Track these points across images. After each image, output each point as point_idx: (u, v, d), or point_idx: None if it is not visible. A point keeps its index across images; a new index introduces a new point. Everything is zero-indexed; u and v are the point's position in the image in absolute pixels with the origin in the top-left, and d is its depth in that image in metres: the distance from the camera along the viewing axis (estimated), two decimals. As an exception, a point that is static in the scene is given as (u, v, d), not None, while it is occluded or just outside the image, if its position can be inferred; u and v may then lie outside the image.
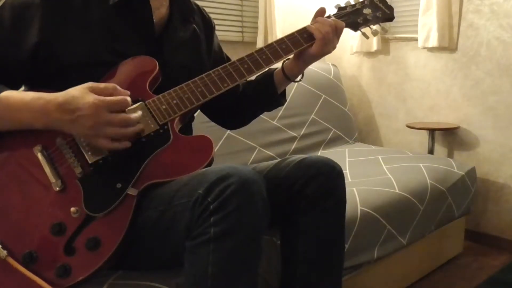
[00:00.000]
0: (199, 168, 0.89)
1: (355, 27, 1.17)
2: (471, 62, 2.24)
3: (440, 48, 2.31)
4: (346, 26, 1.12)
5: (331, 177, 1.06)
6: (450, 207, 1.87)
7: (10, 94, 0.88)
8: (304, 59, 1.10)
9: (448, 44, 2.27)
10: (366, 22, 1.17)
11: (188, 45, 1.10)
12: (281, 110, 2.15)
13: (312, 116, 2.30)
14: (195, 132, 1.15)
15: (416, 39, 2.38)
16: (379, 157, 2.06)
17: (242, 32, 2.49)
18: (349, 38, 2.65)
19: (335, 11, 1.17)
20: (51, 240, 0.85)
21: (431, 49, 2.37)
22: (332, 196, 1.06)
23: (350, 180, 1.76)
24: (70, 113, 0.83)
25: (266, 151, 2.03)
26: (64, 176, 0.88)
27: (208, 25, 1.20)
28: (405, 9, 2.50)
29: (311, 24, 1.08)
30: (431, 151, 2.32)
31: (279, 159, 1.15)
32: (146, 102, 0.94)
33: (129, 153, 0.89)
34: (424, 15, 2.29)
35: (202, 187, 0.81)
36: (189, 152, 0.92)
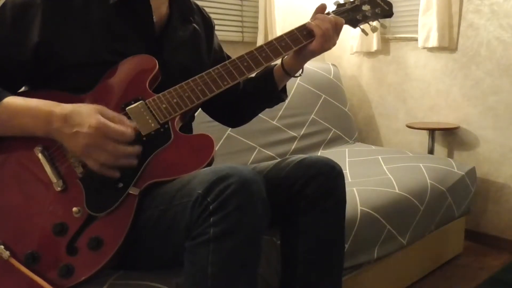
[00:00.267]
0: (201, 167, 0.89)
1: (354, 23, 1.17)
2: (471, 62, 2.24)
3: (440, 48, 2.31)
4: (345, 23, 1.12)
5: (331, 177, 1.06)
6: (450, 207, 1.87)
7: (13, 100, 0.88)
8: (303, 55, 1.10)
9: (448, 44, 2.27)
10: (365, 19, 1.17)
11: (188, 45, 1.10)
12: (281, 110, 2.15)
13: (312, 116, 2.30)
14: (195, 132, 1.15)
15: (416, 39, 2.38)
16: (379, 157, 2.06)
17: (242, 32, 2.49)
18: (349, 38, 2.65)
19: (334, 8, 1.17)
20: (54, 240, 0.85)
21: (431, 49, 2.37)
22: (332, 196, 1.06)
23: (350, 180, 1.76)
24: (71, 127, 0.83)
25: (266, 151, 2.03)
26: (65, 176, 0.88)
27: (208, 25, 1.20)
28: (405, 9, 2.50)
29: (311, 21, 1.08)
30: (431, 151, 2.32)
31: (279, 159, 1.15)
32: (147, 101, 0.93)
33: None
34: (424, 15, 2.29)
35: (202, 187, 0.81)
36: (190, 150, 0.92)
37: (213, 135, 0.93)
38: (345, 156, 2.11)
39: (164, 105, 0.94)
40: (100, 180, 0.88)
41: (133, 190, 0.87)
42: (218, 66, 1.00)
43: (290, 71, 1.14)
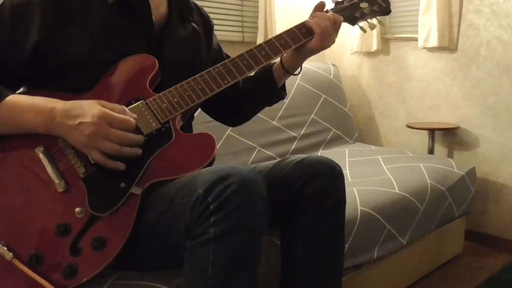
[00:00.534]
0: (203, 165, 0.89)
1: (352, 21, 1.17)
2: (471, 62, 2.24)
3: (440, 48, 2.31)
4: (344, 21, 1.13)
5: (331, 177, 1.06)
6: (450, 207, 1.87)
7: (16, 97, 0.88)
8: (303, 53, 1.10)
9: (448, 44, 2.27)
10: (364, 16, 1.17)
11: (187, 44, 1.10)
12: (281, 110, 2.15)
13: (312, 116, 2.30)
14: (195, 132, 1.15)
15: (416, 39, 2.38)
16: (379, 157, 2.06)
17: (242, 32, 2.49)
18: (349, 38, 2.65)
19: (332, 6, 1.17)
20: (57, 241, 0.85)
21: (431, 49, 2.37)
22: (332, 196, 1.06)
23: (350, 180, 1.76)
24: (73, 118, 0.84)
25: (266, 151, 2.03)
26: (67, 176, 0.89)
27: (207, 24, 1.20)
28: (405, 9, 2.50)
29: (310, 19, 1.08)
30: (431, 151, 2.32)
31: (279, 159, 1.15)
32: (147, 100, 0.94)
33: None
34: (424, 15, 2.29)
35: (202, 187, 0.81)
36: (192, 149, 0.92)
37: (213, 135, 0.93)
38: (345, 156, 2.11)
39: (165, 104, 0.94)
40: (102, 180, 0.88)
41: (135, 190, 0.88)
42: (218, 64, 1.00)
43: (289, 69, 1.14)
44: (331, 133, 2.35)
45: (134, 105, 0.92)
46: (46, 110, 0.86)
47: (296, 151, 2.15)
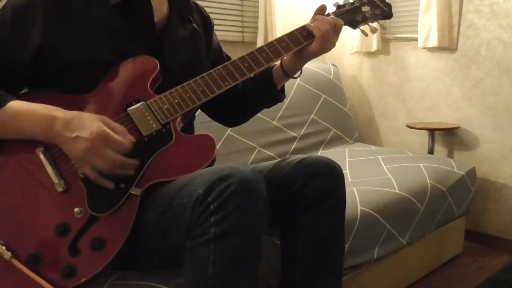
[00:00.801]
0: (203, 166, 0.89)
1: (354, 25, 1.17)
2: (471, 62, 2.24)
3: (440, 48, 2.31)
4: (345, 24, 1.12)
5: (331, 177, 1.06)
6: (450, 207, 1.87)
7: (17, 104, 0.88)
8: (303, 56, 1.10)
9: (448, 44, 2.27)
10: (365, 20, 1.17)
11: (187, 44, 1.10)
12: (281, 110, 2.15)
13: (312, 116, 2.30)
14: (196, 132, 1.15)
15: (416, 39, 2.38)
16: (379, 157, 2.06)
17: (242, 32, 2.49)
18: (349, 38, 2.65)
19: (334, 9, 1.17)
20: (56, 241, 0.85)
21: (431, 49, 2.37)
22: (332, 196, 1.06)
23: (350, 180, 1.76)
24: (71, 131, 0.84)
25: (266, 151, 2.03)
26: (67, 176, 0.89)
27: (207, 24, 1.20)
28: (405, 9, 2.50)
29: (310, 22, 1.08)
30: (431, 151, 2.32)
31: (279, 159, 1.15)
32: (148, 101, 0.94)
33: (132, 153, 0.89)
34: (424, 15, 2.29)
35: (202, 187, 0.81)
36: (192, 151, 0.92)
37: (213, 135, 0.93)
38: (345, 156, 2.11)
39: (165, 106, 0.94)
40: (102, 181, 0.88)
41: (135, 191, 0.88)
42: (219, 66, 1.00)
43: (289, 72, 1.14)
44: (331, 133, 2.35)
45: (134, 106, 0.93)
46: (45, 119, 0.86)
47: (296, 151, 2.15)
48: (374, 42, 2.52)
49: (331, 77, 2.47)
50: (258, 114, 1.29)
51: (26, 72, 0.95)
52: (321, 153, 2.22)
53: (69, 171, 0.89)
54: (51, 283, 0.82)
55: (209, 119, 1.31)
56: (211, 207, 0.79)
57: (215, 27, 1.26)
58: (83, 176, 0.88)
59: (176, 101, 0.95)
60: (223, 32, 2.37)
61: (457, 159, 2.27)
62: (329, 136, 2.34)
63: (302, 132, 2.22)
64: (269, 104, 1.24)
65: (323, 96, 2.37)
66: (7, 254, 0.82)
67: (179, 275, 0.93)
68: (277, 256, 1.17)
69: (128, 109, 0.92)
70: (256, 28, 2.48)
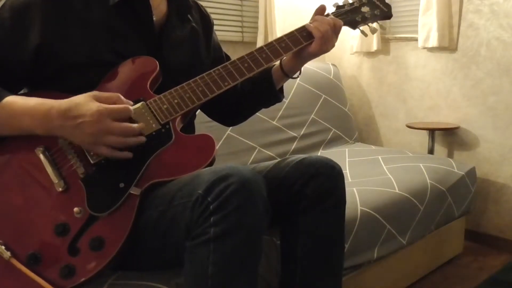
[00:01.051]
0: (202, 167, 0.89)
1: (353, 25, 1.17)
2: (471, 62, 2.24)
3: (440, 48, 2.31)
4: (345, 25, 1.12)
5: (331, 177, 1.06)
6: (450, 207, 1.87)
7: (12, 99, 0.88)
8: (303, 57, 1.10)
9: (448, 44, 2.27)
10: (365, 20, 1.17)
11: (186, 43, 1.10)
12: (281, 110, 2.15)
13: (312, 116, 2.30)
14: (197, 131, 1.15)
15: (416, 39, 2.38)
16: (379, 157, 2.06)
17: (242, 32, 2.49)
18: (349, 38, 2.65)
19: (333, 9, 1.17)
20: (55, 241, 0.85)
21: (431, 49, 2.37)
22: (332, 196, 1.06)
23: (350, 180, 1.76)
24: (73, 119, 0.83)
25: (266, 151, 2.03)
26: (66, 176, 0.89)
27: (206, 22, 1.20)
28: (405, 9, 2.50)
29: (310, 22, 1.08)
30: (431, 151, 2.32)
31: (279, 159, 1.15)
32: (148, 102, 0.94)
33: (132, 152, 0.89)
34: (424, 15, 2.29)
35: (202, 187, 0.81)
36: (192, 151, 0.92)
37: (213, 135, 0.93)
38: (345, 156, 2.11)
39: (165, 106, 0.94)
40: (102, 181, 0.88)
41: (135, 190, 0.88)
42: (218, 67, 1.00)
43: (288, 72, 1.14)
44: (331, 133, 2.35)
45: (134, 106, 0.93)
46: (42, 112, 0.85)
47: (296, 151, 2.15)
48: (374, 42, 2.52)
49: (331, 77, 2.47)
50: (258, 114, 1.29)
51: (26, 72, 0.95)
52: (321, 153, 2.22)
53: (69, 171, 0.89)
54: (51, 283, 0.82)
55: (209, 119, 1.31)
56: (211, 207, 0.79)
57: (215, 27, 1.26)
58: (83, 176, 0.88)
59: (175, 101, 0.95)
60: (222, 32, 2.37)
61: (457, 159, 2.27)
62: (329, 136, 2.34)
63: (302, 132, 2.22)
64: (268, 104, 1.24)
65: (323, 96, 2.37)
66: (7, 254, 0.82)
67: (179, 275, 0.93)
68: (277, 256, 1.16)
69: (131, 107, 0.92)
70: (256, 28, 2.48)
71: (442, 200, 1.82)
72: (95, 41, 0.95)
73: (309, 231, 1.06)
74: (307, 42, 1.06)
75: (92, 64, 0.94)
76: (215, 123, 1.33)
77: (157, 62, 0.98)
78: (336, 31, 1.08)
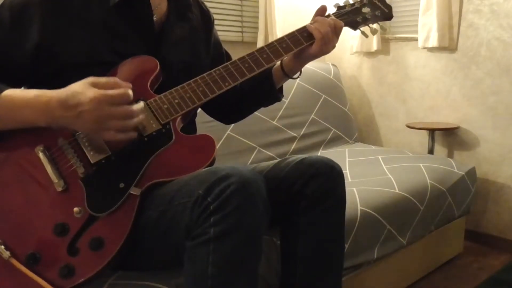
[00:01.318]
0: (202, 167, 0.89)
1: (354, 26, 1.17)
2: (471, 62, 2.24)
3: (440, 48, 2.31)
4: (345, 25, 1.12)
5: (331, 177, 1.06)
6: (450, 207, 1.87)
7: (12, 92, 0.87)
8: (303, 58, 1.10)
9: (448, 44, 2.27)
10: (365, 21, 1.17)
11: (186, 42, 1.10)
12: (281, 110, 2.15)
13: (312, 116, 2.30)
14: (198, 131, 1.16)
15: (416, 39, 2.38)
16: (379, 157, 2.06)
17: (242, 32, 2.49)
18: (349, 38, 2.65)
19: (334, 10, 1.17)
20: (54, 241, 0.85)
21: (431, 49, 2.37)
22: (332, 196, 1.06)
23: (350, 180, 1.76)
24: (73, 109, 0.82)
25: (266, 151, 2.03)
26: (66, 176, 0.88)
27: (207, 19, 1.19)
28: (405, 9, 2.50)
29: (311, 23, 1.08)
30: (431, 151, 2.32)
31: (279, 159, 1.15)
32: (148, 101, 0.94)
33: (132, 152, 0.89)
34: (424, 15, 2.29)
35: (202, 187, 0.81)
36: (192, 151, 0.92)
37: (213, 135, 0.93)
38: (345, 156, 2.11)
39: (165, 106, 0.94)
40: (102, 181, 0.88)
41: (134, 191, 0.88)
42: (219, 67, 1.00)
43: (289, 73, 1.14)
44: (331, 133, 2.35)
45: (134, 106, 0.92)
46: (42, 103, 0.84)
47: (296, 151, 2.15)
48: (374, 42, 2.52)
49: (331, 77, 2.47)
50: (258, 114, 1.30)
51: (25, 72, 0.95)
52: (321, 153, 2.22)
53: (69, 171, 0.89)
54: (50, 282, 0.81)
55: (210, 119, 1.31)
56: (211, 207, 0.79)
57: (215, 27, 1.26)
58: (82, 176, 0.88)
59: (176, 101, 0.95)
60: (222, 32, 2.37)
61: (457, 159, 2.27)
62: (329, 136, 2.34)
63: (302, 132, 2.22)
64: (267, 104, 1.24)
65: (323, 96, 2.37)
66: (6, 254, 0.82)
67: (179, 275, 0.93)
68: (277, 256, 1.16)
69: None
70: (256, 28, 2.48)
71: (442, 200, 1.82)
72: (95, 41, 0.95)
73: (309, 231, 1.06)
74: (308, 42, 1.06)
75: (92, 64, 0.94)
76: (215, 123, 1.33)
77: (157, 62, 0.98)
78: (336, 32, 1.08)
